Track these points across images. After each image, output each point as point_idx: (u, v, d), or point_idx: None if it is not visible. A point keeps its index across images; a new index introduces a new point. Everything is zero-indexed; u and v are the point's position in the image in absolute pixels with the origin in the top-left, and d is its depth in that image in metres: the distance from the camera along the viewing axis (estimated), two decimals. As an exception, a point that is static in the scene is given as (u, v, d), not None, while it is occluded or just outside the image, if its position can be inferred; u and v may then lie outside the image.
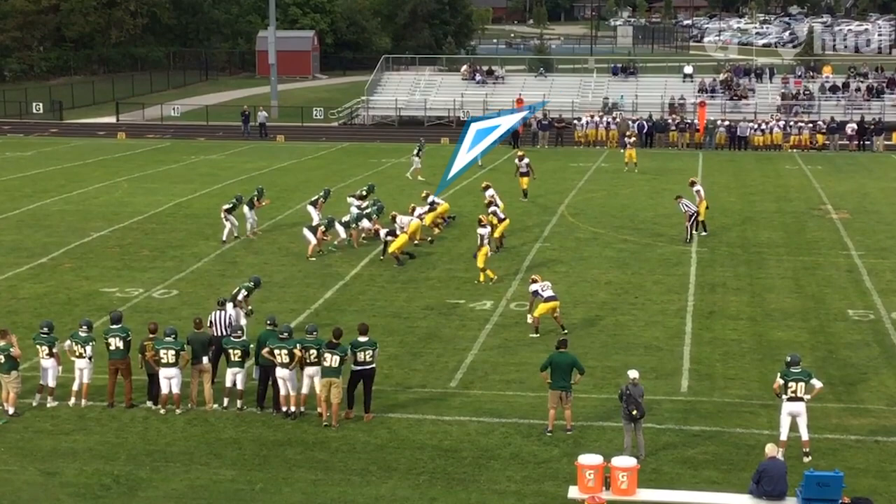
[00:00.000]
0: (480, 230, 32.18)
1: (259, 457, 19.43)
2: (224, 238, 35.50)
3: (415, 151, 50.37)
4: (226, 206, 35.89)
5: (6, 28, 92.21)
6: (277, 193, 43.28)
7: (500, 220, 34.42)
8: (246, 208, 36.40)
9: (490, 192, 37.21)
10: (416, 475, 18.69)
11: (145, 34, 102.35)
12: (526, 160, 45.08)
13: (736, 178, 50.36)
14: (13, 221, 39.70)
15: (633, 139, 54.84)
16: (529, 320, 26.57)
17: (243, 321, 23.78)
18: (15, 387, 21.21)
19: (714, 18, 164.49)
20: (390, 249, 32.93)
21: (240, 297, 24.52)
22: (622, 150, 53.79)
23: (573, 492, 17.29)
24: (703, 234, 36.37)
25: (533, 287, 26.41)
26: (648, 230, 37.85)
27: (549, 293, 26.09)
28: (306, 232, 34.18)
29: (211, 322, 22.76)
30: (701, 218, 36.58)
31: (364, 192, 38.71)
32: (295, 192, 45.14)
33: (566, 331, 25.44)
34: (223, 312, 22.97)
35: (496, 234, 34.05)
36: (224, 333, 22.33)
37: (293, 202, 42.77)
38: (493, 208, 34.89)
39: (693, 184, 38.47)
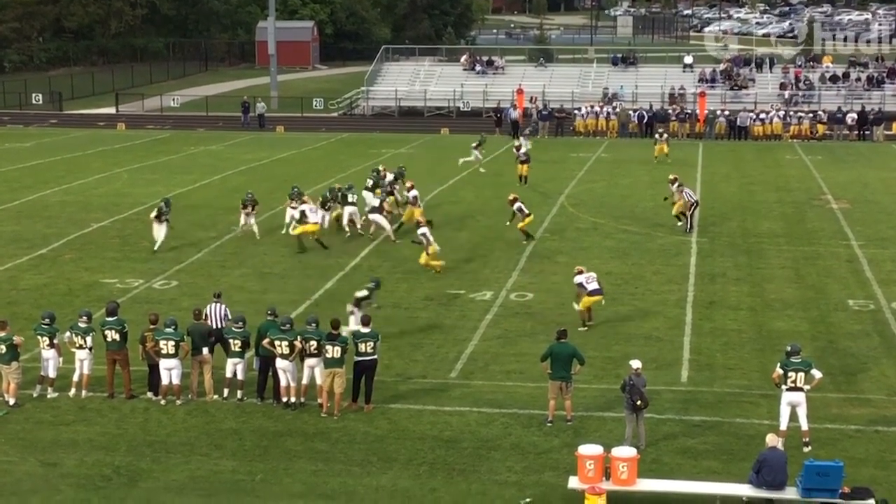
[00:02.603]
0: (421, 230, 31.01)
1: (259, 447, 19.44)
2: (156, 248, 33.17)
3: (474, 144, 49.62)
4: (153, 214, 33.76)
5: (6, 19, 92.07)
6: (277, 184, 43.24)
7: (526, 216, 34.12)
8: (243, 215, 35.19)
9: (413, 192, 36.43)
10: (417, 466, 18.70)
11: (145, 25, 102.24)
12: (523, 149, 45.54)
13: (736, 169, 50.34)
14: (13, 212, 39.70)
15: (666, 135, 54.68)
16: (577, 309, 26.28)
17: (354, 326, 23.13)
18: (16, 377, 21.23)
19: (714, 8, 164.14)
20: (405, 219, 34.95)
21: (364, 302, 24.22)
22: (655, 144, 53.40)
23: (573, 482, 17.34)
24: (679, 224, 36.23)
25: (577, 279, 26.07)
26: (649, 220, 37.83)
27: (593, 286, 25.79)
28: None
29: (206, 315, 22.70)
30: (674, 212, 36.54)
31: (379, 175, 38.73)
32: (295, 183, 45.03)
33: (590, 323, 25.80)
34: (219, 305, 22.94)
35: (520, 226, 34.08)
36: (220, 326, 22.32)
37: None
38: (518, 205, 34.16)
39: (674, 181, 37.24)
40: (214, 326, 22.38)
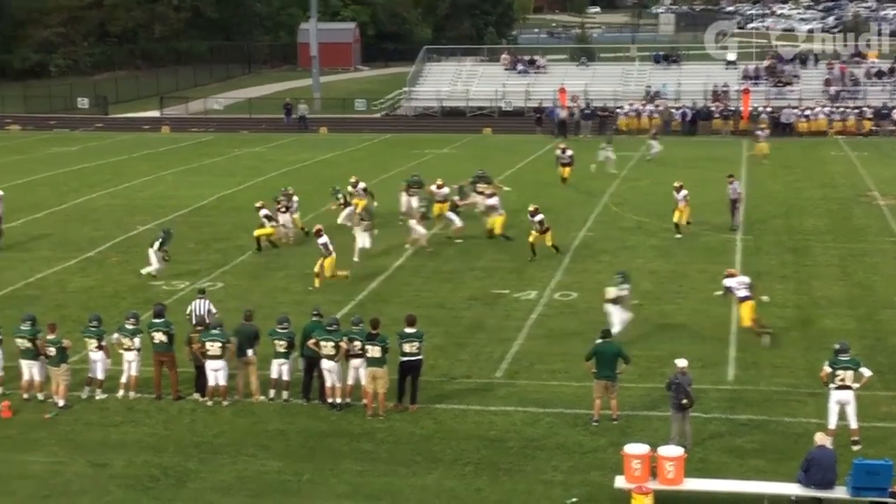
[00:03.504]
0: (320, 240, 29.71)
1: (305, 448, 19.52)
2: (152, 272, 30.84)
3: (602, 145, 49.25)
4: (153, 246, 31.14)
5: (51, 24, 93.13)
6: (320, 186, 43.34)
7: (545, 230, 32.42)
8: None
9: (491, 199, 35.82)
10: (462, 465, 18.70)
11: (188, 28, 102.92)
12: (570, 152, 45.15)
13: (780, 166, 49.95)
14: (60, 216, 40.08)
15: (767, 131, 54.04)
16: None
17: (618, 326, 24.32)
18: (65, 379, 21.43)
19: (757, 4, 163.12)
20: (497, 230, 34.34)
21: (622, 294, 24.60)
22: (756, 142, 52.41)
23: (620, 481, 17.29)
24: (678, 236, 34.73)
25: (727, 282, 24.86)
26: (692, 218, 37.55)
27: (743, 293, 24.47)
28: (413, 224, 33.72)
29: (190, 311, 23.09)
30: (675, 219, 35.08)
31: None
32: (338, 184, 45.10)
33: (769, 330, 24.55)
34: (203, 301, 23.25)
35: (531, 240, 32.41)
36: (203, 322, 22.57)
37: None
38: (539, 217, 32.39)
39: (679, 189, 35.42)
40: (195, 322, 22.74)
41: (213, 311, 23.28)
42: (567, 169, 44.84)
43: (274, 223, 33.93)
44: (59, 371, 21.37)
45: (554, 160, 46.00)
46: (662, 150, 51.55)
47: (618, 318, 24.62)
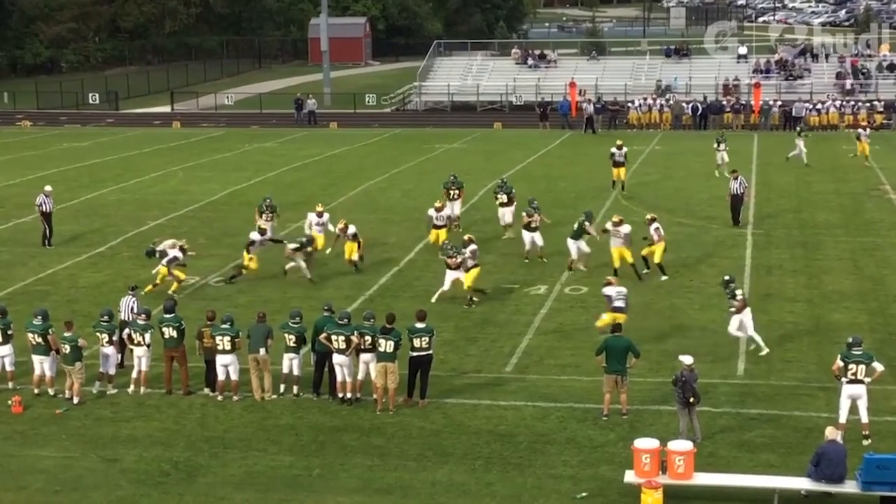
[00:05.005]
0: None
1: (316, 443, 19.54)
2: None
3: (715, 144, 46.25)
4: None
5: (62, 20, 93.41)
6: (331, 181, 43.47)
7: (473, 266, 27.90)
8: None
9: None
10: (472, 460, 18.71)
11: (199, 23, 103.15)
12: (625, 150, 42.33)
13: (791, 159, 49.80)
14: (71, 211, 40.14)
15: (868, 130, 52.00)
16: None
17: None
18: (80, 377, 21.45)
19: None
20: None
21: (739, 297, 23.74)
22: (857, 139, 49.63)
23: (629, 476, 17.28)
24: (664, 277, 29.28)
25: (606, 290, 23.95)
26: (703, 213, 37.60)
27: (619, 303, 23.63)
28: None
29: (120, 308, 23.14)
30: (643, 252, 29.58)
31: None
32: (349, 180, 45.24)
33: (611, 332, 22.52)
34: (130, 298, 23.24)
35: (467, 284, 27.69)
36: (129, 318, 22.57)
37: (347, 189, 42.87)
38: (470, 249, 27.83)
39: (652, 221, 29.59)
40: (124, 318, 22.77)
41: (139, 309, 22.73)
42: (622, 170, 41.86)
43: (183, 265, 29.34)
44: (74, 369, 21.37)
45: (609, 157, 43.01)
46: (806, 151, 48.22)
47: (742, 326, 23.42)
